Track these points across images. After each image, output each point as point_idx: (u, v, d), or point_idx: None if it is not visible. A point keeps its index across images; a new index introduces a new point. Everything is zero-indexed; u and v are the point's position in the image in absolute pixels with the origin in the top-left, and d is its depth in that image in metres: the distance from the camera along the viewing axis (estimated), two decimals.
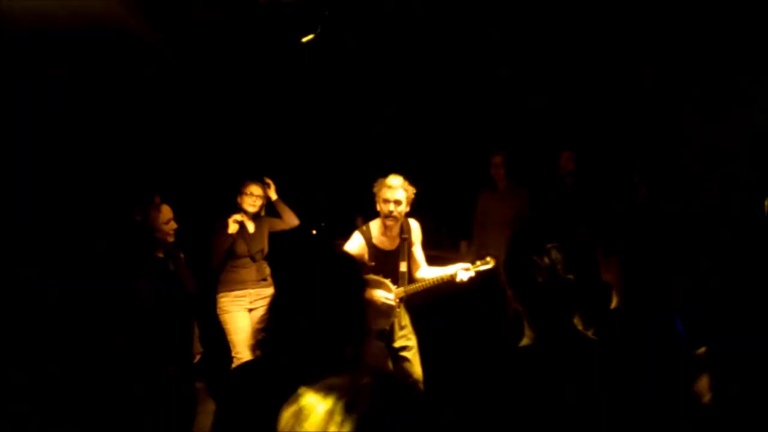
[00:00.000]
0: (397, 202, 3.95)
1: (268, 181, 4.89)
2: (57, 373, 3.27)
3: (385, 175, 4.03)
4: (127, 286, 3.38)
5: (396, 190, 3.95)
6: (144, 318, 3.12)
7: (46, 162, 5.18)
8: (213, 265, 4.52)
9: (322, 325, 1.68)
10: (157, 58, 5.28)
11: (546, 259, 1.56)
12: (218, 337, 4.51)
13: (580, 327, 1.75)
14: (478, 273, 4.12)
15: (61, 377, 3.28)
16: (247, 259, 4.59)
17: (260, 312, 4.53)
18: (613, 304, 2.03)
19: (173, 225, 3.86)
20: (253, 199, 4.64)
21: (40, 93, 4.83)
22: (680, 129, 5.17)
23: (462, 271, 4.04)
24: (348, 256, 1.86)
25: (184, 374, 3.54)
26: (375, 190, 4.03)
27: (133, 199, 3.63)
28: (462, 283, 4.08)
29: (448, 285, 4.13)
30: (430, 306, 5.51)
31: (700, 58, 4.99)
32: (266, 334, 1.77)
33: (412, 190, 4.01)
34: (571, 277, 1.55)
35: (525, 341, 1.63)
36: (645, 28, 5.16)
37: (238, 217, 4.55)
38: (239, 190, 4.67)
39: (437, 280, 4.09)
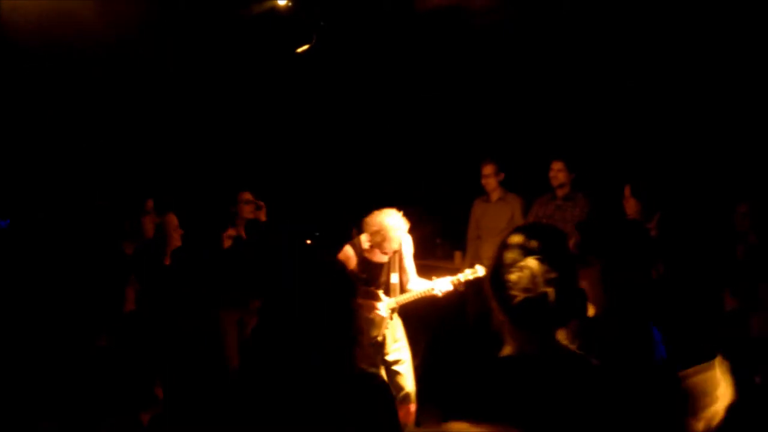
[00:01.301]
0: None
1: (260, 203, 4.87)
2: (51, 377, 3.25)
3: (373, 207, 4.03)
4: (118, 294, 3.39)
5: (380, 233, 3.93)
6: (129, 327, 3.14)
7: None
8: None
9: (310, 330, 1.69)
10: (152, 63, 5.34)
11: (525, 271, 1.54)
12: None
13: (565, 341, 1.74)
14: (468, 282, 4.13)
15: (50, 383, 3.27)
16: None
17: None
18: (590, 313, 2.02)
19: (180, 231, 3.92)
20: (250, 206, 4.66)
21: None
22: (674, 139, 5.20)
23: (452, 283, 4.05)
24: (337, 262, 1.88)
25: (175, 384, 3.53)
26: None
27: (125, 209, 3.65)
28: (451, 293, 4.10)
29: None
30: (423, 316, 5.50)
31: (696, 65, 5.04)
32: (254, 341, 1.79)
33: (389, 232, 3.94)
34: (549, 290, 1.52)
35: (507, 350, 1.62)
36: (641, 33, 5.19)
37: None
38: (235, 200, 4.68)
39: (428, 292, 4.09)
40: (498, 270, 1.60)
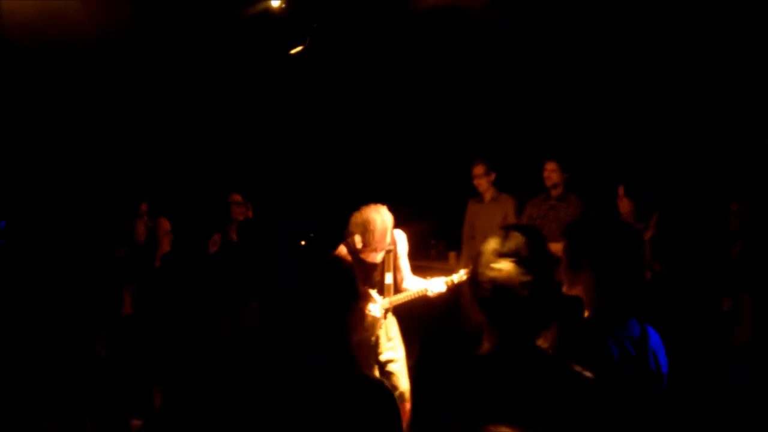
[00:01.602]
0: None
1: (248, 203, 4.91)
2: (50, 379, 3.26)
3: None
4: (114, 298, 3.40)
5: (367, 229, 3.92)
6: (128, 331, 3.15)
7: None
8: None
9: (310, 330, 1.69)
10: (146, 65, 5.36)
11: (501, 273, 1.57)
12: None
13: (544, 344, 1.75)
14: (462, 282, 4.15)
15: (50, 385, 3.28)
16: None
17: None
18: (586, 314, 2.02)
19: (170, 235, 3.95)
20: (240, 208, 4.69)
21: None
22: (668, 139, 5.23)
23: (445, 283, 4.08)
24: (344, 262, 1.89)
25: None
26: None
27: (122, 214, 3.68)
28: (444, 294, 4.12)
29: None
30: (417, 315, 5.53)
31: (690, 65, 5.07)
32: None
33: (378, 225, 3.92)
34: (524, 293, 1.55)
35: (485, 348, 1.64)
36: (638, 34, 5.22)
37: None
38: (227, 201, 4.71)
39: (422, 292, 4.11)
40: (476, 270, 1.64)
